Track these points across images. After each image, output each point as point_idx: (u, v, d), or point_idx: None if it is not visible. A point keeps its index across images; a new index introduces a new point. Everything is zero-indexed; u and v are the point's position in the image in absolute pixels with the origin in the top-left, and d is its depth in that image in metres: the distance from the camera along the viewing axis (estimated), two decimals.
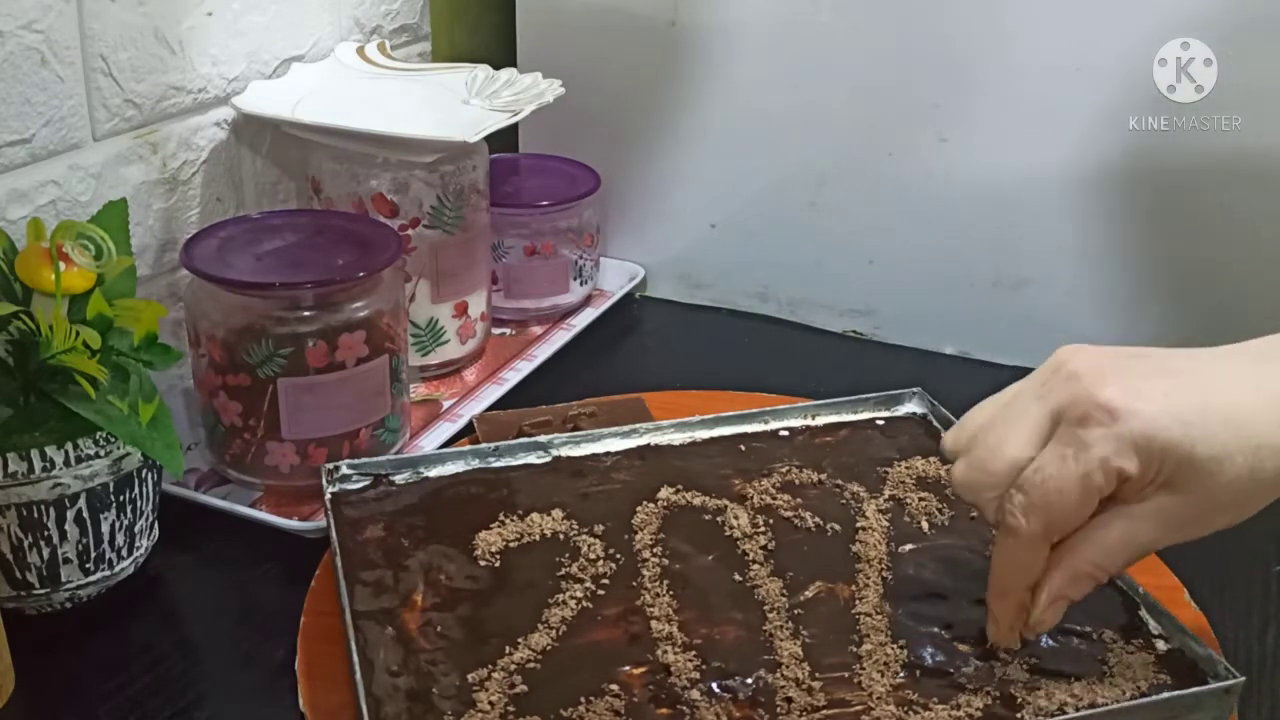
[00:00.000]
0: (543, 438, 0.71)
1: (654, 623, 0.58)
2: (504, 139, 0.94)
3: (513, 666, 0.54)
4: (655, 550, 0.63)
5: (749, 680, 0.54)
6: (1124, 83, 0.80)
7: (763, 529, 0.65)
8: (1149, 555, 0.53)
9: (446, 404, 0.82)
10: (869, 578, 0.61)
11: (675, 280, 1.01)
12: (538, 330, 0.93)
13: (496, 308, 0.91)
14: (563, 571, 0.61)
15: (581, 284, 0.95)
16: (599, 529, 0.64)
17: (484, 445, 0.70)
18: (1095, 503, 0.50)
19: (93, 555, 0.60)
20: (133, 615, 0.62)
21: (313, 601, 0.62)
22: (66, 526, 0.59)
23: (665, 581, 0.61)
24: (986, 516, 0.53)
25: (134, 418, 0.58)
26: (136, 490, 0.61)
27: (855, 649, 0.56)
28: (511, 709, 0.52)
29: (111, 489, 0.60)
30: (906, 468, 0.70)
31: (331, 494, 0.66)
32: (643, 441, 0.72)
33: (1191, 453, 0.48)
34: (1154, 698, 0.53)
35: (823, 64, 0.88)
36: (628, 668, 0.55)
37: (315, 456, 0.69)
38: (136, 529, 0.62)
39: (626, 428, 0.73)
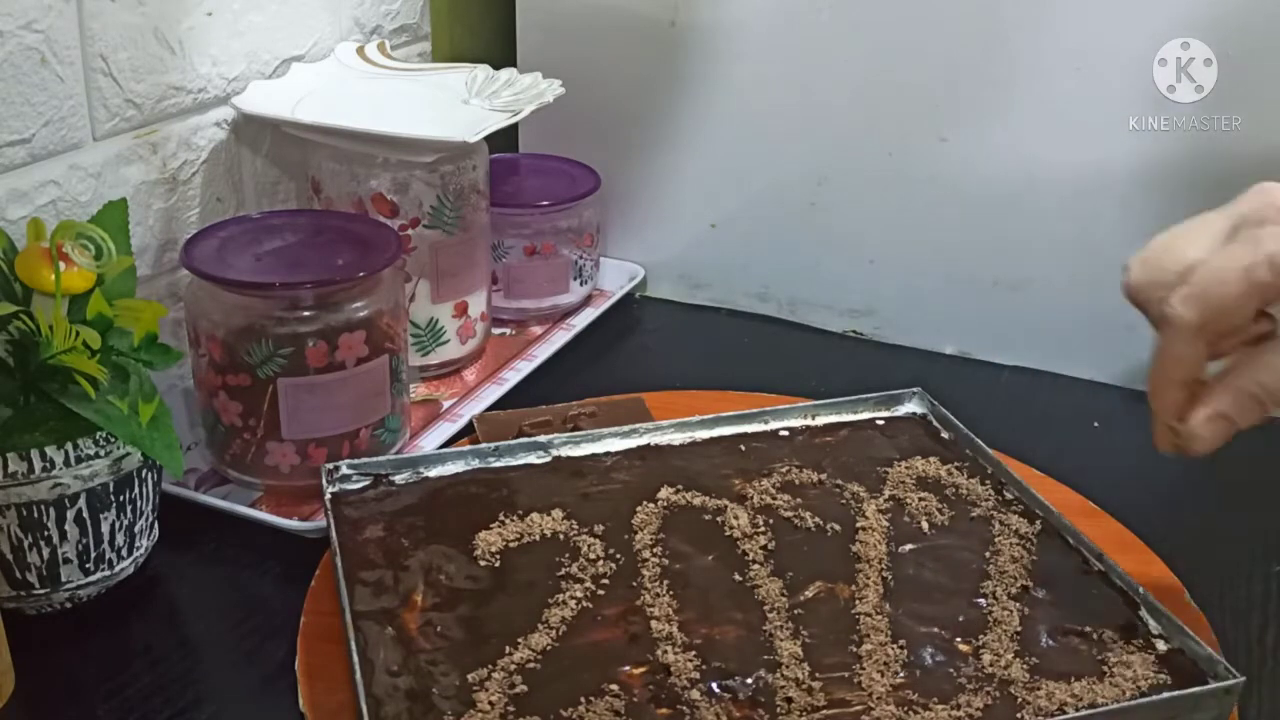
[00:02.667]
0: (543, 438, 0.71)
1: (654, 623, 0.58)
2: (504, 139, 0.94)
3: (513, 666, 0.54)
4: (655, 550, 0.63)
5: (749, 680, 0.54)
6: (1124, 83, 0.80)
7: (763, 529, 0.65)
8: None
9: (446, 404, 0.82)
10: (869, 578, 0.61)
11: (675, 280, 1.01)
12: (538, 330, 0.93)
13: (496, 308, 0.91)
14: (563, 571, 0.61)
15: (581, 284, 0.95)
16: (599, 529, 0.64)
17: (484, 445, 0.70)
18: (1256, 300, 0.48)
19: (93, 555, 0.60)
20: (133, 615, 0.62)
21: (313, 601, 0.62)
22: (66, 526, 0.59)
23: (665, 581, 0.61)
24: (1151, 318, 0.51)
25: (134, 418, 0.58)
26: (136, 490, 0.61)
27: (855, 649, 0.56)
28: (511, 709, 0.52)
29: (111, 489, 0.60)
30: (906, 468, 0.70)
31: (331, 494, 0.66)
32: (643, 441, 0.72)
33: None
34: (1154, 698, 0.53)
35: (823, 64, 0.89)
36: (628, 668, 0.55)
37: (315, 456, 0.69)
38: (136, 529, 0.62)
39: (626, 428, 0.73)
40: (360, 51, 0.88)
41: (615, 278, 1.00)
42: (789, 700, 0.53)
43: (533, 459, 0.70)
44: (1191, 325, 0.49)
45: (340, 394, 0.68)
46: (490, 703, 0.52)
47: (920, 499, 0.67)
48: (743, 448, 0.72)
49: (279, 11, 0.83)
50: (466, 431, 0.78)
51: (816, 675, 0.55)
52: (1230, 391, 0.50)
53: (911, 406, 0.77)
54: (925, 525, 0.66)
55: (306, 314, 0.67)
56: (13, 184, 0.66)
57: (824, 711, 0.53)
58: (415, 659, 0.55)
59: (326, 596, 0.61)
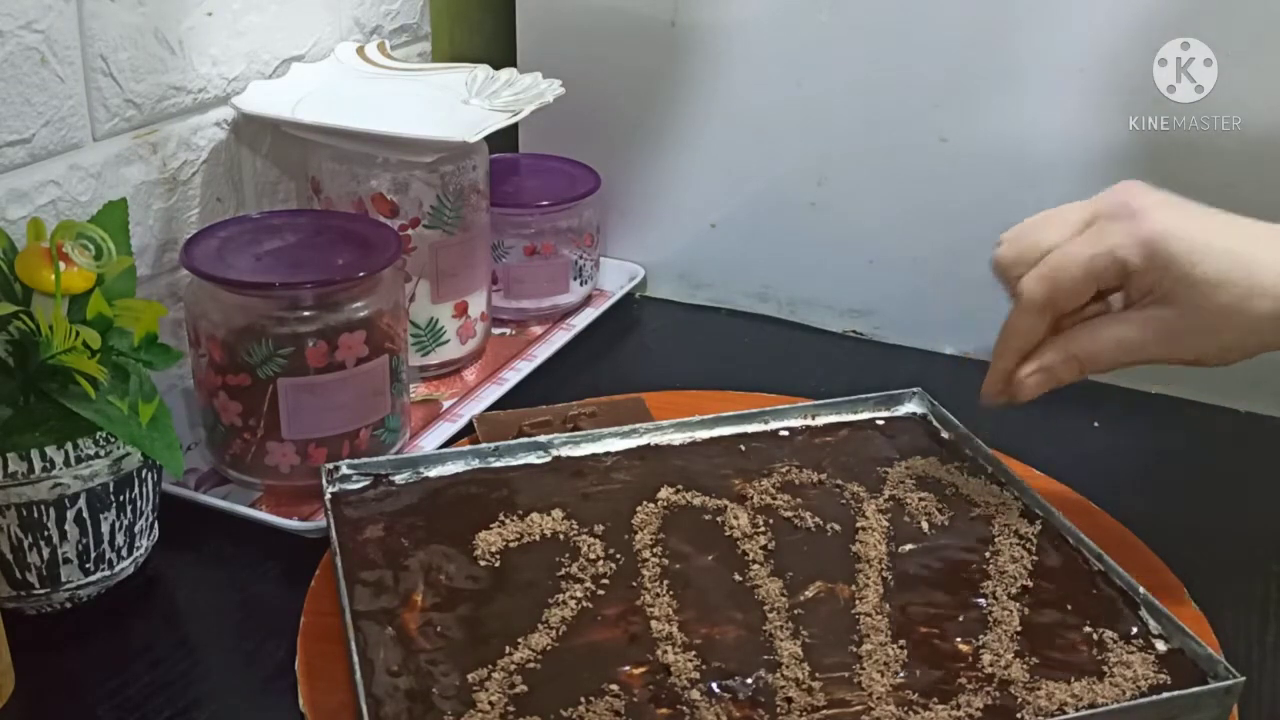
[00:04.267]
0: (543, 438, 0.71)
1: (654, 623, 0.58)
2: (504, 139, 0.94)
3: (513, 666, 0.54)
4: (655, 550, 0.63)
5: (749, 680, 0.54)
6: (1124, 83, 0.80)
7: (763, 529, 0.65)
8: (1136, 359, 0.58)
9: (446, 404, 0.82)
10: (869, 578, 0.61)
11: (675, 280, 1.01)
12: (538, 330, 0.93)
13: (496, 308, 0.91)
14: (563, 571, 0.61)
15: (581, 284, 0.95)
16: (599, 529, 0.64)
17: (484, 445, 0.70)
18: (1095, 286, 0.57)
19: (93, 555, 0.60)
20: (133, 615, 0.62)
21: (313, 601, 0.62)
22: (66, 526, 0.59)
23: (665, 581, 0.61)
24: (1010, 294, 0.59)
25: (134, 418, 0.58)
26: (136, 490, 0.61)
27: (855, 649, 0.56)
28: (511, 709, 0.52)
29: (111, 489, 0.60)
30: (906, 468, 0.70)
31: (331, 494, 0.66)
32: (643, 441, 0.72)
33: (1191, 271, 0.54)
34: (1154, 698, 0.53)
35: (822, 64, 0.89)
36: (628, 668, 0.55)
37: (315, 456, 0.69)
38: (136, 529, 0.62)
39: (626, 428, 0.73)
40: (360, 51, 0.88)
41: (615, 278, 1.00)
42: (789, 700, 0.53)
43: (533, 459, 0.70)
44: (1037, 302, 0.58)
45: (340, 394, 0.68)
46: (490, 703, 0.52)
47: (920, 499, 0.67)
48: (743, 448, 0.72)
49: (279, 11, 0.83)
50: (466, 431, 0.78)
51: (816, 675, 0.55)
52: (1060, 351, 0.59)
53: (911, 406, 0.77)
54: (925, 525, 0.66)
55: (306, 314, 0.67)
56: (13, 184, 0.66)
57: (824, 711, 0.53)
58: (415, 659, 0.55)
59: (326, 596, 0.61)
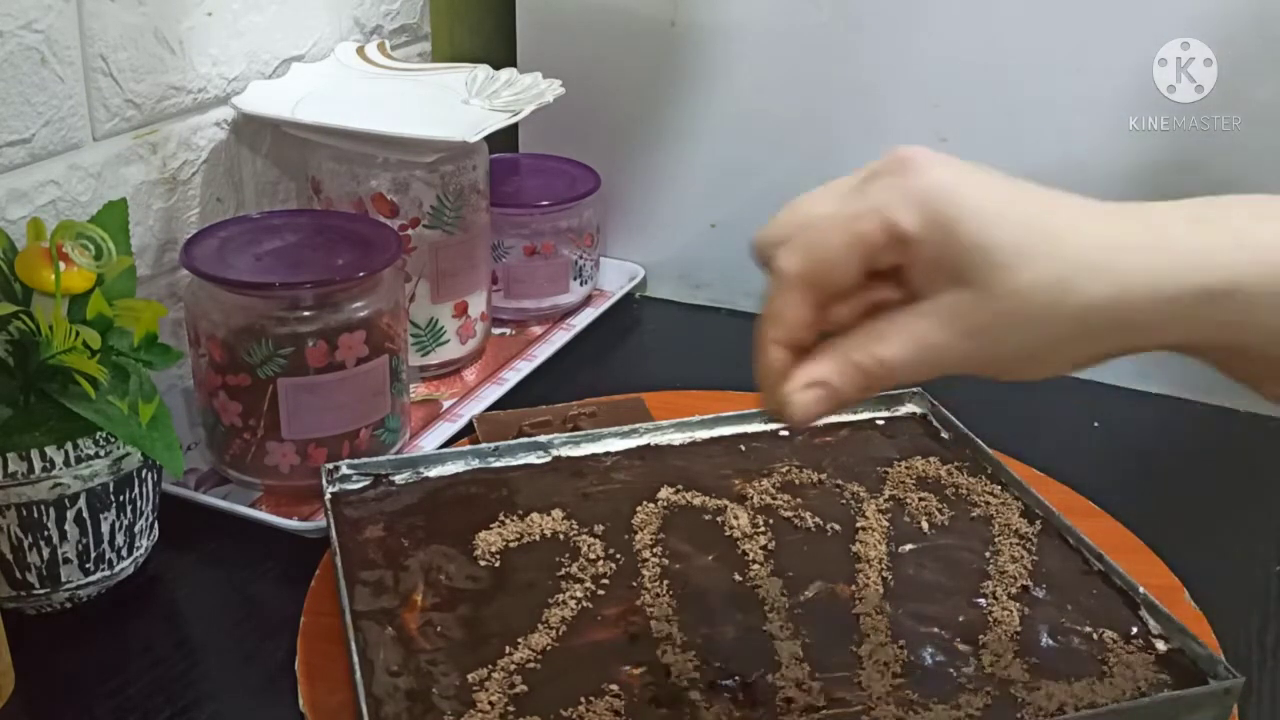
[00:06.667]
0: (543, 438, 0.71)
1: (654, 623, 0.58)
2: (504, 139, 0.94)
3: (513, 666, 0.54)
4: (655, 550, 0.63)
5: (749, 680, 0.54)
6: (1124, 83, 0.80)
7: (763, 529, 0.65)
8: (941, 365, 0.42)
9: (446, 404, 0.82)
10: (869, 578, 0.61)
11: (675, 280, 1.01)
12: (538, 330, 0.93)
13: (496, 308, 0.91)
14: (563, 571, 0.61)
15: (581, 284, 0.95)
16: (599, 529, 0.64)
17: (484, 445, 0.70)
18: (860, 253, 0.42)
19: (93, 555, 0.60)
20: (133, 615, 0.62)
21: (313, 601, 0.62)
22: (66, 526, 0.59)
23: (665, 581, 0.61)
24: (767, 274, 0.45)
25: (134, 418, 0.58)
26: (136, 490, 0.61)
27: (855, 649, 0.56)
28: (511, 709, 0.52)
29: (111, 489, 0.60)
30: (906, 468, 0.70)
31: (331, 494, 0.66)
32: (643, 441, 0.72)
33: (984, 234, 0.40)
34: (1154, 698, 0.53)
35: (823, 64, 0.88)
36: (628, 668, 0.55)
37: (315, 456, 0.69)
38: (136, 529, 0.62)
39: (626, 428, 0.73)
40: (360, 51, 0.88)
41: (615, 278, 1.00)
42: (789, 700, 0.53)
43: (533, 459, 0.70)
44: (791, 275, 0.43)
45: (340, 394, 0.68)
46: (490, 703, 0.52)
47: (920, 499, 0.67)
48: (743, 448, 0.72)
49: (279, 11, 0.83)
50: (466, 431, 0.78)
51: (816, 675, 0.55)
52: (836, 358, 0.43)
53: (911, 406, 0.77)
54: (925, 525, 0.66)
55: (306, 314, 0.67)
56: (13, 184, 0.66)
57: (824, 711, 0.53)
58: (415, 659, 0.55)
59: (326, 596, 0.61)
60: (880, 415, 0.76)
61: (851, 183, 0.45)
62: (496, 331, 0.92)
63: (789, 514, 0.66)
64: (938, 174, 0.42)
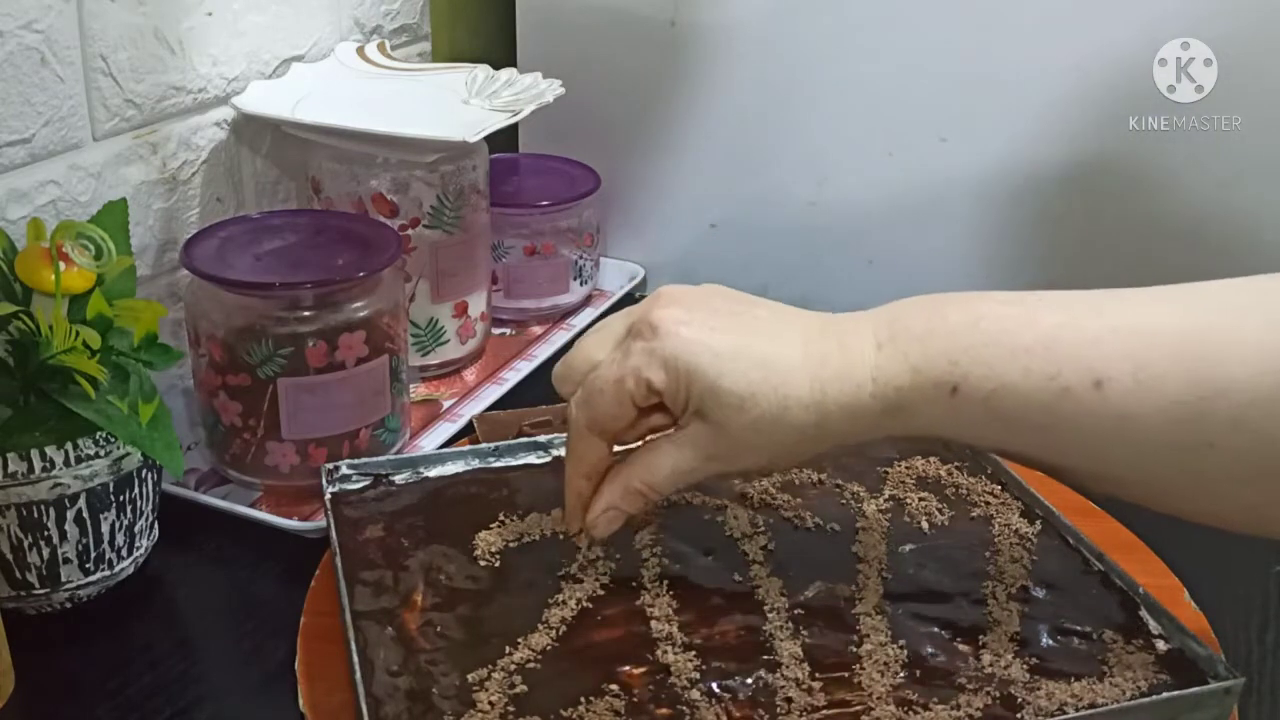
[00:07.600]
0: (543, 438, 0.71)
1: (654, 623, 0.57)
2: (504, 139, 0.94)
3: (513, 666, 0.54)
4: (655, 550, 0.63)
5: (749, 680, 0.54)
6: (1124, 83, 0.80)
7: (763, 529, 0.65)
8: (696, 480, 0.56)
9: (446, 404, 0.82)
10: (869, 578, 0.61)
11: (675, 280, 1.00)
12: (538, 330, 0.93)
13: (496, 308, 0.91)
14: (563, 572, 0.61)
15: (581, 284, 0.95)
16: None
17: (484, 445, 0.70)
18: (630, 407, 0.54)
19: (93, 555, 0.60)
20: (133, 615, 0.62)
21: (313, 601, 0.62)
22: (66, 526, 0.59)
23: (665, 581, 0.60)
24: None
25: (134, 418, 0.58)
26: (136, 490, 0.61)
27: (855, 649, 0.56)
28: (511, 709, 0.52)
29: (111, 489, 0.60)
30: (906, 468, 0.70)
31: (331, 494, 0.66)
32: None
33: (716, 384, 0.51)
34: (1154, 698, 0.53)
35: (822, 63, 0.89)
36: (628, 668, 0.55)
37: (315, 456, 0.69)
38: (136, 529, 0.62)
39: None
40: (360, 51, 0.88)
41: (615, 278, 1.00)
42: (789, 700, 0.53)
43: (533, 459, 0.70)
44: (583, 427, 0.55)
45: (340, 394, 0.68)
46: (490, 703, 0.52)
47: (920, 499, 0.67)
48: None
49: (279, 11, 0.83)
50: (466, 431, 0.78)
51: (816, 675, 0.55)
52: (618, 486, 0.56)
53: None
54: (925, 525, 0.66)
55: (306, 314, 0.67)
56: (13, 184, 0.66)
57: (824, 711, 0.53)
58: (415, 659, 0.55)
59: (326, 596, 0.61)
60: None
61: (619, 331, 0.55)
62: (496, 331, 0.92)
63: (789, 514, 0.66)
64: (681, 335, 0.52)
